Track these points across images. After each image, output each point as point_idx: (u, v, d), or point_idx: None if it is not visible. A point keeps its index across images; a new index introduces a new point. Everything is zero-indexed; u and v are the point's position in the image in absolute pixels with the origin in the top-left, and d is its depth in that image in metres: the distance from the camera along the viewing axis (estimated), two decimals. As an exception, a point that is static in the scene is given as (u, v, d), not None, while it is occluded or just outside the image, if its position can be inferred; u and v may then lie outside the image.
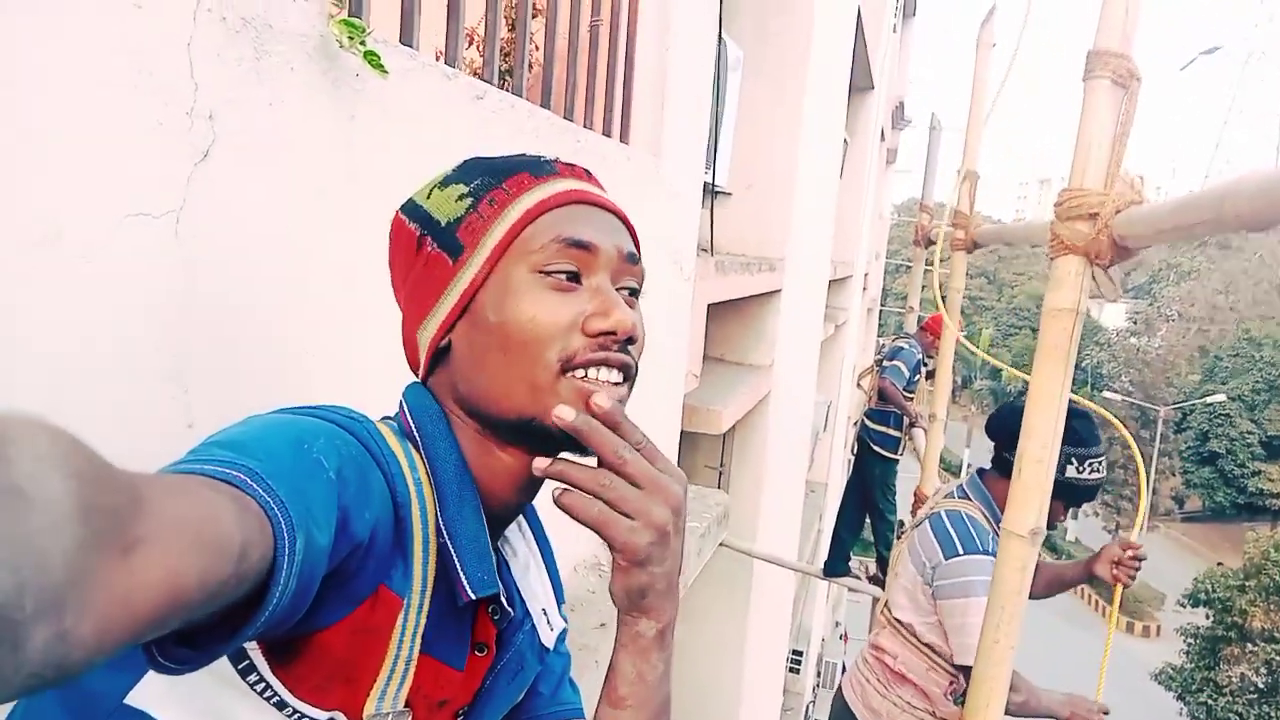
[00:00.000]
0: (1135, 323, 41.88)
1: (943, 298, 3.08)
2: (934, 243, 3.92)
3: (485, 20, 1.57)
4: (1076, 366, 1.55)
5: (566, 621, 0.87)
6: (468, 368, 0.69)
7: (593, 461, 0.65)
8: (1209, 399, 32.79)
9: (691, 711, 4.74)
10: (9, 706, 0.63)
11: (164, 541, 0.38)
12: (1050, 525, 1.65)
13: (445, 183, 0.72)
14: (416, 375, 0.76)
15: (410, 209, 0.73)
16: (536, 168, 0.72)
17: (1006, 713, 1.68)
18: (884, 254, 18.54)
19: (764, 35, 4.46)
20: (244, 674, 0.60)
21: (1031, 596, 1.67)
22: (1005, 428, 2.24)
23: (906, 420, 5.22)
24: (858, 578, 5.68)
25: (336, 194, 1.05)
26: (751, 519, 4.91)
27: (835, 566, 5.53)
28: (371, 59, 1.01)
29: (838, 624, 13.97)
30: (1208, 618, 20.57)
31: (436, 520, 0.66)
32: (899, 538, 2.81)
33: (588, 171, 0.75)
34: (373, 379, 1.00)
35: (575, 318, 0.67)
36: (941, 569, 2.22)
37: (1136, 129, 1.43)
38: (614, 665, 0.69)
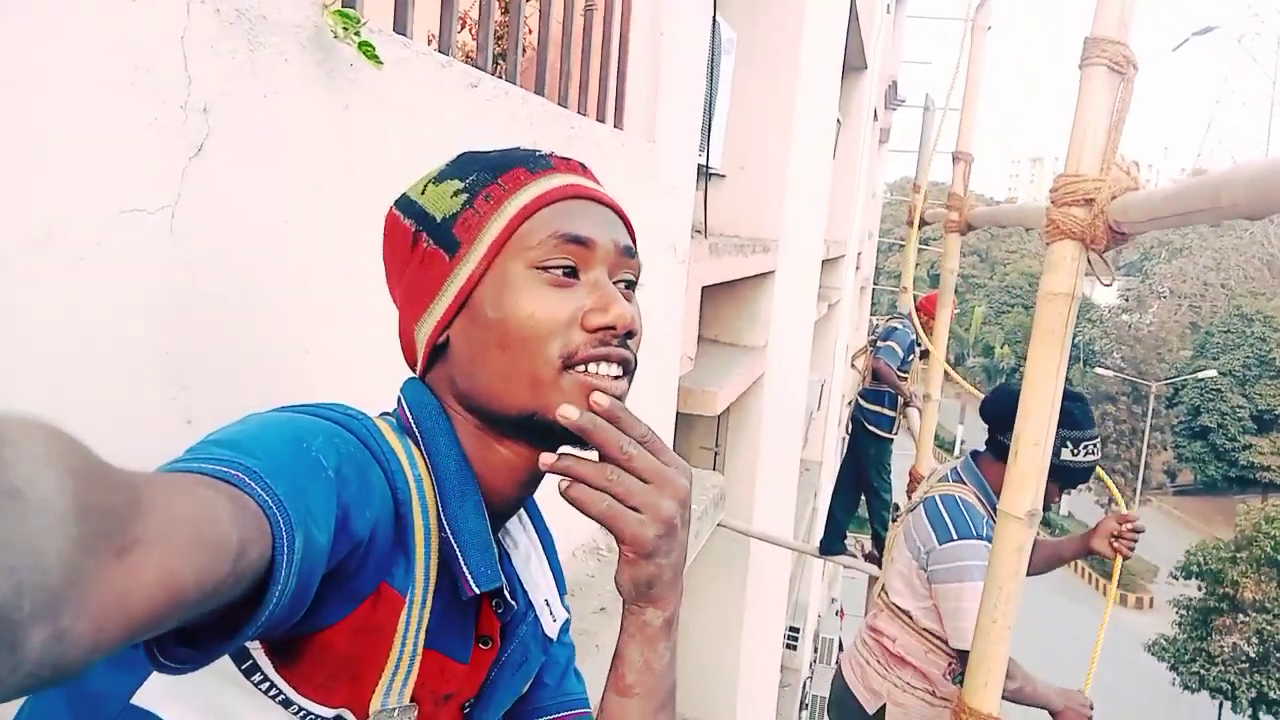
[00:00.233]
0: (1127, 299, 41.94)
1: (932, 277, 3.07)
2: (927, 223, 3.91)
3: (479, 4, 1.56)
4: (1069, 343, 1.56)
5: (569, 611, 0.88)
6: (467, 364, 0.69)
7: (595, 454, 0.65)
8: (1200, 374, 32.91)
9: (691, 689, 4.79)
10: (14, 707, 0.63)
11: (161, 541, 0.38)
12: (1045, 507, 1.67)
13: (440, 178, 0.72)
14: (414, 371, 0.76)
15: (405, 205, 0.73)
16: (532, 162, 0.71)
17: (1001, 698, 1.69)
18: (877, 233, 18.51)
19: (757, 16, 4.43)
20: (248, 673, 0.60)
21: (1029, 573, 1.69)
22: (1000, 411, 2.25)
23: (901, 400, 5.23)
24: (853, 556, 5.72)
25: (332, 186, 1.05)
26: (747, 499, 4.93)
27: (831, 545, 5.56)
28: (366, 50, 1.00)
29: (834, 600, 14.07)
30: (1200, 589, 20.79)
31: (438, 516, 0.66)
32: (894, 521, 2.83)
33: (583, 165, 0.75)
34: (371, 375, 1.00)
35: (574, 313, 0.67)
36: (936, 554, 2.23)
37: (1133, 106, 1.43)
38: (620, 654, 0.70)
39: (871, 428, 5.38)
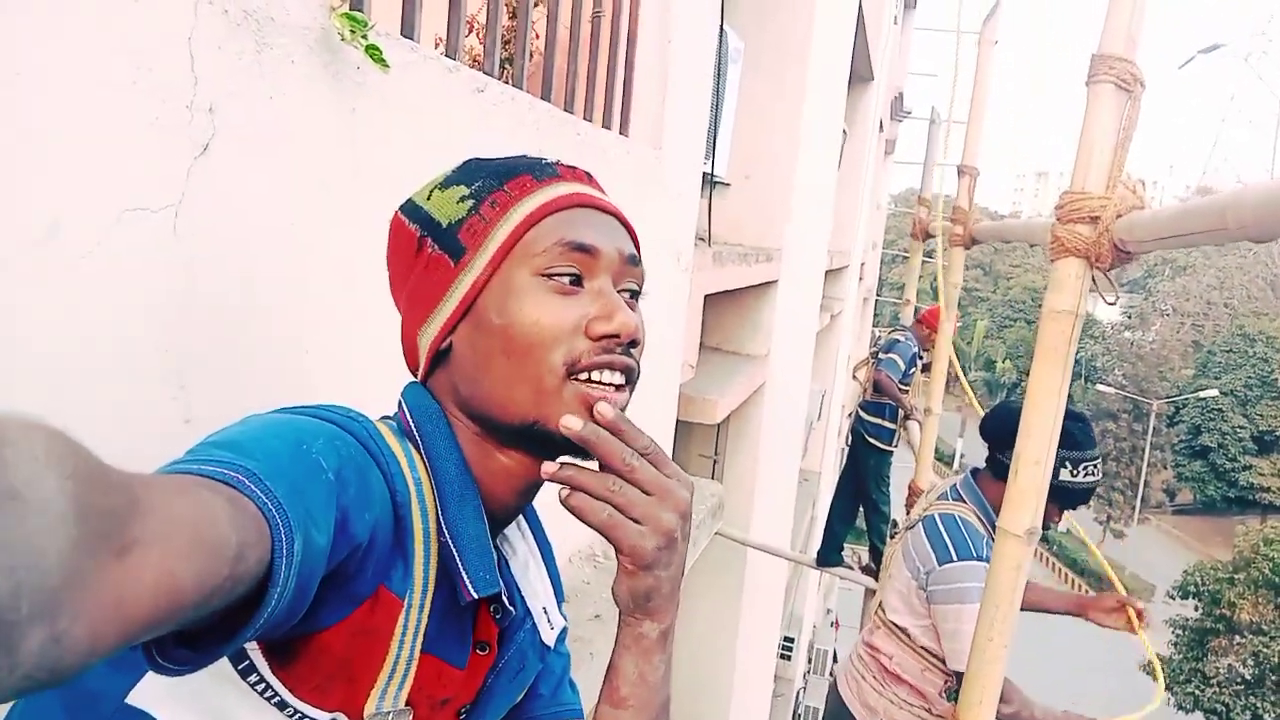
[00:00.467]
0: (1130, 317, 41.93)
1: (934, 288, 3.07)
2: (932, 236, 3.92)
3: (487, 8, 1.56)
4: (1070, 360, 1.55)
5: (567, 620, 0.88)
6: (470, 370, 0.69)
7: (596, 464, 0.65)
8: (1202, 393, 32.91)
9: (685, 698, 4.77)
10: (7, 706, 0.63)
11: (160, 543, 0.38)
12: (1044, 527, 1.66)
13: (446, 184, 0.72)
14: (415, 376, 0.75)
15: (410, 210, 0.73)
16: (538, 170, 0.71)
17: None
18: (881, 244, 18.52)
19: (765, 25, 4.44)
20: (244, 674, 0.60)
21: None
22: (1000, 430, 2.24)
23: (901, 412, 5.23)
24: (850, 567, 5.70)
25: (337, 188, 1.05)
26: (746, 508, 4.93)
27: (828, 556, 5.55)
28: (373, 53, 1.00)
29: (829, 611, 14.03)
30: (1197, 610, 20.73)
31: (437, 520, 0.66)
32: (893, 537, 2.82)
33: (588, 174, 0.75)
34: (372, 377, 1.00)
35: (579, 321, 0.67)
36: (936, 574, 2.22)
37: (1138, 123, 1.43)
38: (615, 666, 0.69)
39: (871, 440, 5.37)
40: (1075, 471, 2.13)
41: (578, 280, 0.68)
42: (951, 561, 2.19)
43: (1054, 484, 1.71)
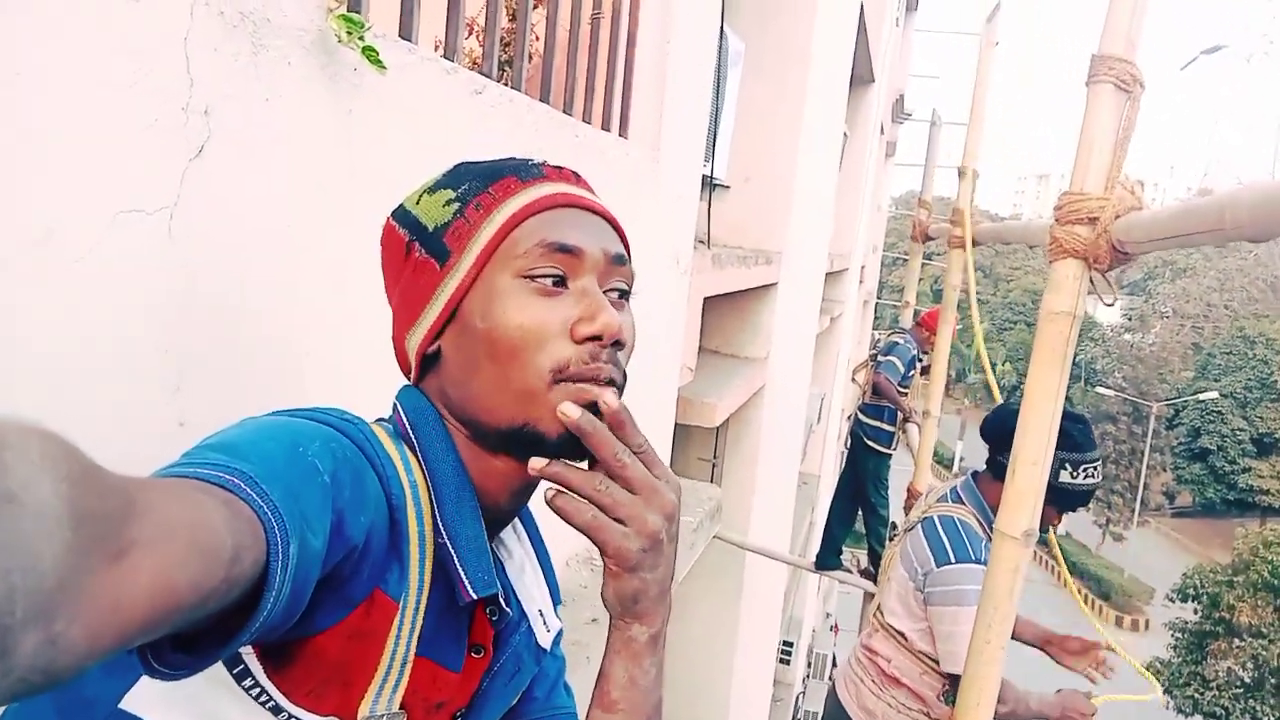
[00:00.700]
0: (1130, 319, 41.94)
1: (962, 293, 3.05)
2: (932, 238, 3.91)
3: (486, 10, 1.56)
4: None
5: (562, 623, 0.87)
6: (457, 374, 0.69)
7: (585, 465, 0.65)
8: (1201, 396, 32.91)
9: (683, 703, 4.77)
10: (1, 711, 0.63)
11: (156, 547, 0.38)
12: (1043, 529, 1.66)
13: (435, 188, 0.72)
14: (408, 379, 0.75)
15: (400, 214, 0.73)
16: (524, 171, 0.71)
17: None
18: (881, 247, 18.52)
19: (766, 27, 4.44)
20: (239, 679, 0.60)
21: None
22: (999, 430, 2.24)
23: (900, 415, 5.23)
24: (849, 571, 5.69)
25: (334, 190, 1.05)
26: (744, 511, 4.92)
27: (827, 560, 5.55)
28: (369, 54, 1.00)
29: (828, 615, 14.02)
30: (1196, 613, 20.73)
31: (433, 522, 0.66)
32: (891, 540, 2.81)
33: (576, 174, 0.75)
34: (369, 380, 0.99)
35: (563, 323, 0.66)
36: (933, 576, 2.21)
37: (1139, 125, 1.42)
38: (605, 669, 0.69)
39: (870, 443, 5.37)
40: (1075, 473, 2.12)
41: (561, 281, 0.68)
42: (949, 563, 2.18)
43: (1053, 486, 1.70)
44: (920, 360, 5.27)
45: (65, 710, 0.60)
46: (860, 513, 5.68)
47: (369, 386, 0.92)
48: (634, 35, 2.13)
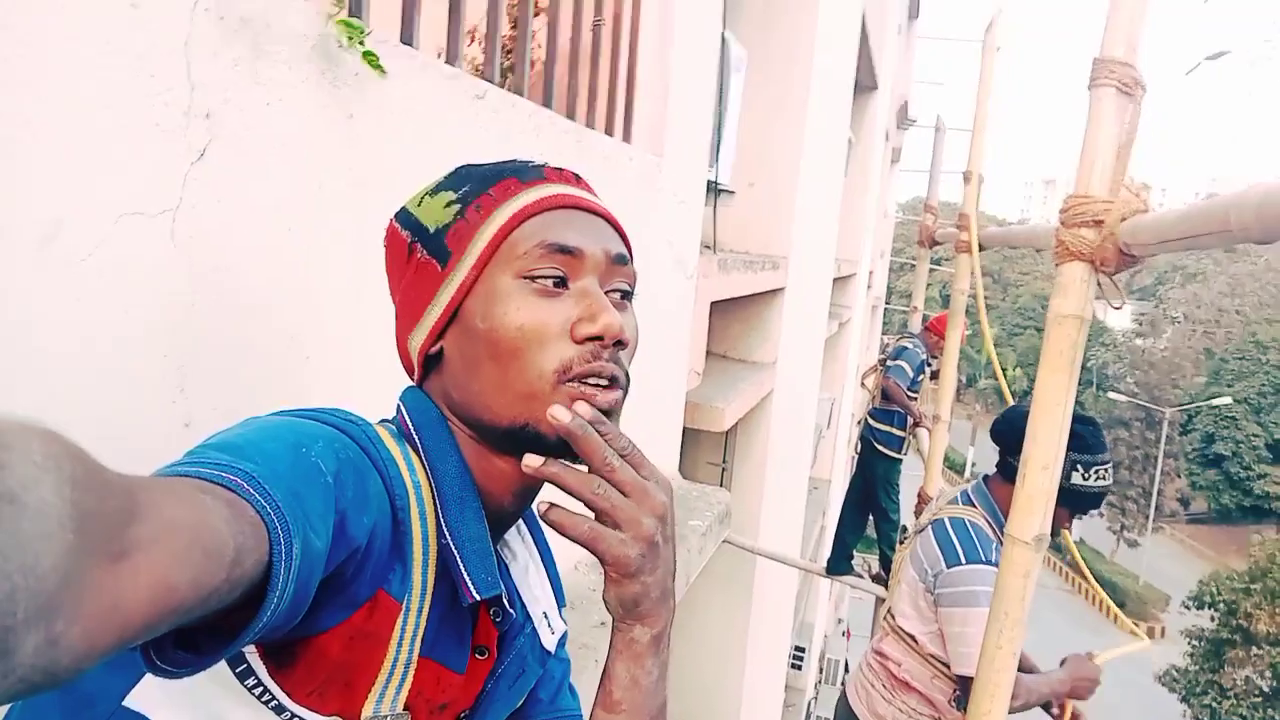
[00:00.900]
0: (1141, 324, 41.74)
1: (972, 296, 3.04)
2: (939, 243, 3.90)
3: (488, 18, 1.56)
4: (1081, 367, 1.54)
5: (567, 624, 0.87)
6: (459, 375, 0.69)
7: (584, 468, 0.64)
8: (1215, 401, 32.69)
9: (694, 708, 4.74)
10: (4, 710, 0.63)
11: (157, 547, 0.38)
12: (1054, 532, 1.65)
13: (436, 190, 0.72)
14: (412, 380, 0.75)
15: (403, 216, 0.73)
16: (524, 173, 0.71)
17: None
18: (889, 252, 18.49)
19: (769, 34, 4.45)
20: (242, 678, 0.60)
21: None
22: (1010, 433, 2.22)
23: (910, 420, 5.21)
24: (860, 576, 5.67)
25: (334, 193, 1.05)
26: (754, 516, 4.91)
27: (838, 565, 5.52)
28: (370, 59, 1.00)
29: (840, 621, 13.95)
30: (1212, 620, 20.53)
31: (437, 523, 0.66)
32: (902, 543, 2.80)
33: (577, 176, 0.75)
34: (371, 380, 1.00)
35: (563, 324, 0.66)
36: (944, 577, 2.20)
37: (1144, 129, 1.42)
38: (608, 670, 0.69)
39: (880, 447, 5.35)
40: (1087, 475, 2.10)
41: (562, 282, 0.68)
42: (960, 565, 2.17)
43: (1065, 488, 1.69)
44: (929, 365, 5.26)
45: (69, 707, 0.60)
46: (871, 517, 5.66)
47: (372, 387, 0.92)
48: (635, 41, 2.14)
